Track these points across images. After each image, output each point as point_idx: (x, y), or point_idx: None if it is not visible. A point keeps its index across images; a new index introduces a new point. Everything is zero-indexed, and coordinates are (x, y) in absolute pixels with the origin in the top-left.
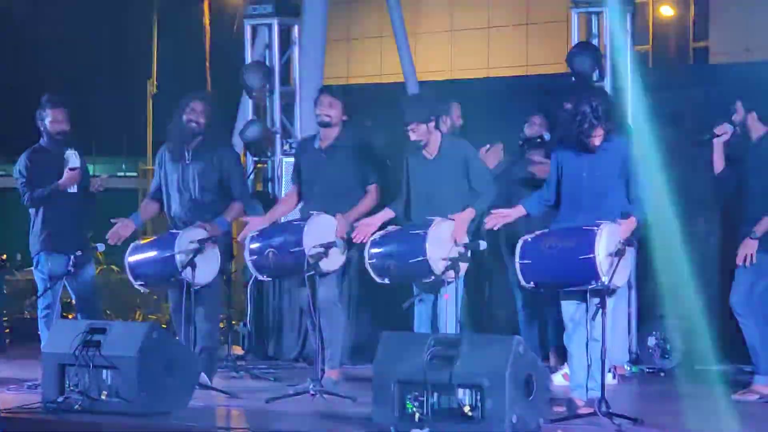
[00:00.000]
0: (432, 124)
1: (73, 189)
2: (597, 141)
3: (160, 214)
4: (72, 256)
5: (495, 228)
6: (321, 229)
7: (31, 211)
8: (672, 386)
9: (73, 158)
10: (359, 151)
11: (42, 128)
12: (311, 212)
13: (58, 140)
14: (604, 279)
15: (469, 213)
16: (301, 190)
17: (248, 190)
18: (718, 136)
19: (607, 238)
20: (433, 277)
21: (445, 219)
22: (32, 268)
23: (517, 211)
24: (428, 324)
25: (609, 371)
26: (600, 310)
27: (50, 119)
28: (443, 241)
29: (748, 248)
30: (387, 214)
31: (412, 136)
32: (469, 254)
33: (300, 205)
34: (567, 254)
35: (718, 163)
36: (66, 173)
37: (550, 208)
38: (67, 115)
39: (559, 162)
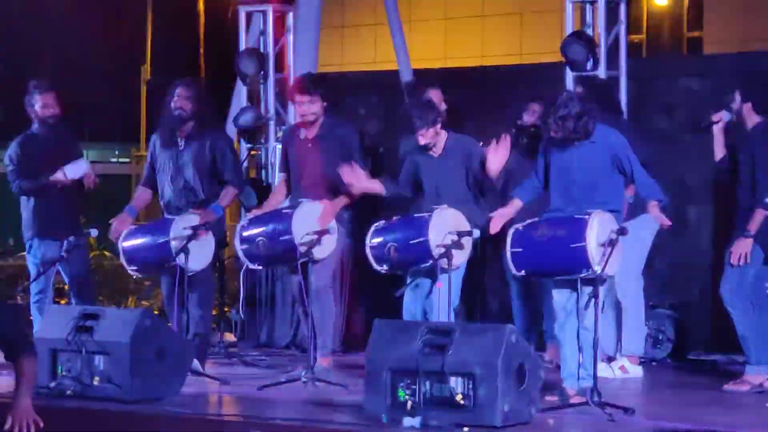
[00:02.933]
0: (438, 126)
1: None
2: (554, 134)
3: (153, 201)
4: (65, 242)
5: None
6: (310, 217)
7: (23, 197)
8: (664, 376)
9: (77, 166)
10: (346, 139)
11: (33, 115)
12: (300, 200)
13: (50, 125)
14: (597, 268)
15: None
16: (289, 179)
17: (242, 175)
18: (716, 122)
19: (598, 227)
20: (430, 261)
21: (450, 207)
22: (25, 253)
23: (514, 206)
24: (418, 317)
25: (602, 360)
26: (592, 300)
27: (40, 104)
28: (446, 227)
29: (743, 247)
30: (375, 184)
31: (422, 141)
32: (465, 242)
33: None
34: (558, 242)
35: (718, 151)
36: (60, 171)
37: (543, 192)
38: (57, 98)
39: (547, 151)
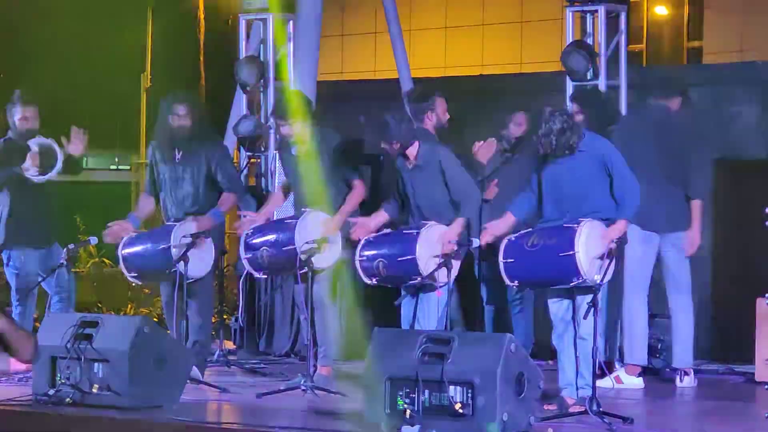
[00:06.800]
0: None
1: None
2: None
3: (156, 213)
4: (66, 248)
5: (487, 243)
6: (314, 226)
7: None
8: (663, 385)
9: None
10: (336, 149)
11: (10, 123)
12: (304, 209)
13: (26, 137)
14: (597, 277)
15: (459, 224)
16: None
17: (240, 181)
18: None
19: (587, 235)
20: (418, 278)
21: (439, 224)
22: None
23: (507, 221)
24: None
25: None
26: (592, 309)
27: (19, 116)
28: (433, 243)
29: None
30: (382, 216)
31: (410, 164)
32: (461, 252)
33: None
34: (548, 251)
35: None
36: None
37: (537, 204)
38: (38, 112)
39: (539, 163)
